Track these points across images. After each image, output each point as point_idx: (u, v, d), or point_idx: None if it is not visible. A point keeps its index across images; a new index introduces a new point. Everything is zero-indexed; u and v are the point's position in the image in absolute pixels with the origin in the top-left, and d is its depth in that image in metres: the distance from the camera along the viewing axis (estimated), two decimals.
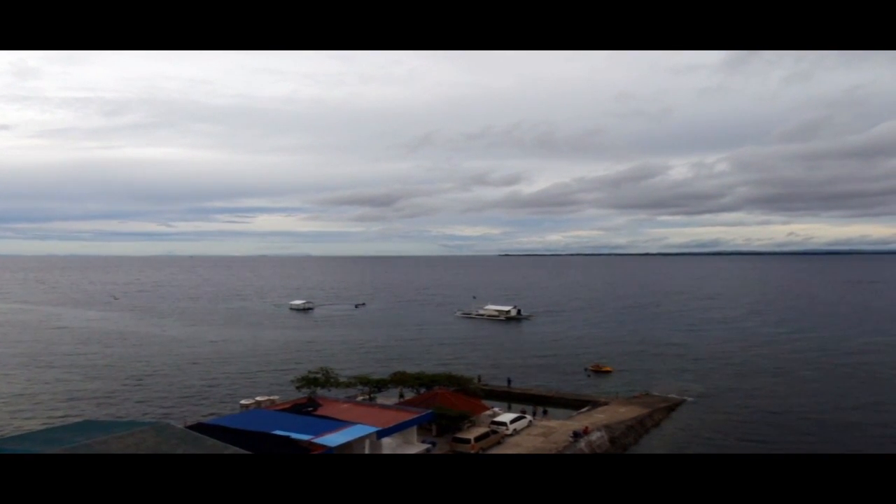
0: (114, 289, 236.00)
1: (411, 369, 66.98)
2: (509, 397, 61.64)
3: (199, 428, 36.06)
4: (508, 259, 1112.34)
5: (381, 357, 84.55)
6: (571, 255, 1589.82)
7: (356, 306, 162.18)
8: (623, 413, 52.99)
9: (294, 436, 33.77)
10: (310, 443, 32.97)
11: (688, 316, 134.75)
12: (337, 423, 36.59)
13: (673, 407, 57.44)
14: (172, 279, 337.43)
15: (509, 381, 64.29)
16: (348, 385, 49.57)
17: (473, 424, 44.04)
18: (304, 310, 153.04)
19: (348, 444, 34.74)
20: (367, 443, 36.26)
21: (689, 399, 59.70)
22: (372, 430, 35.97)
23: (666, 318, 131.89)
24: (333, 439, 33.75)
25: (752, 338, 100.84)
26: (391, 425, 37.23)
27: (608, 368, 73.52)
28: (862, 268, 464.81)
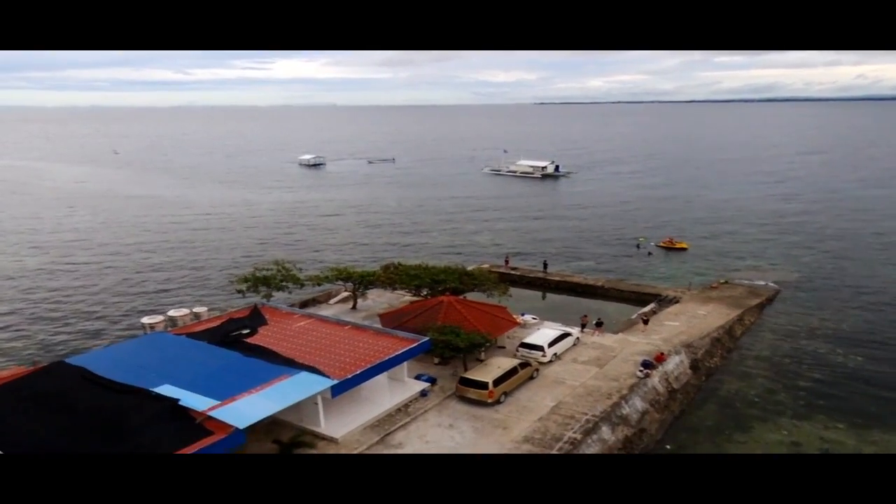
0: (118, 143, 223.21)
1: (420, 241, 52.73)
2: (545, 286, 47.56)
3: (59, 366, 23.04)
4: (545, 108, 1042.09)
5: (385, 228, 70.34)
6: (613, 102, 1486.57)
7: (369, 162, 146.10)
8: (704, 317, 38.33)
9: (185, 399, 20.15)
10: (205, 415, 19.28)
11: (756, 173, 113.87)
12: (270, 370, 22.70)
13: (765, 303, 42.55)
14: (188, 131, 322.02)
15: (545, 265, 49.54)
16: (321, 280, 35.08)
17: (492, 347, 30.10)
18: (314, 165, 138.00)
19: (277, 417, 21.03)
20: (321, 402, 22.67)
21: (783, 290, 44.65)
22: (325, 383, 22.05)
23: (730, 175, 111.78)
24: (248, 409, 19.90)
25: (839, 199, 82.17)
26: (359, 371, 23.13)
27: (683, 245, 57.58)
28: None
